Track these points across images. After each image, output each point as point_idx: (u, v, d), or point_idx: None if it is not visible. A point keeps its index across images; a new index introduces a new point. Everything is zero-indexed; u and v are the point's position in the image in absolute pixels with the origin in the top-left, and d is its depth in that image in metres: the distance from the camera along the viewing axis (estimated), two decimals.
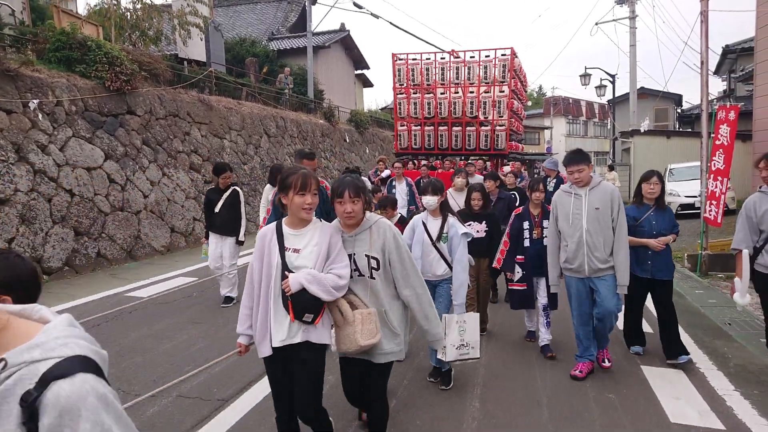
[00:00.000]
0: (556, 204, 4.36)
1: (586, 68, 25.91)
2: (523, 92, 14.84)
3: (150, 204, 10.73)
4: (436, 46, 33.75)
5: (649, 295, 4.84)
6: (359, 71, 30.54)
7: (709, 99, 8.20)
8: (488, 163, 12.33)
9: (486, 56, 12.35)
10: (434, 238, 4.05)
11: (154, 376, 4.49)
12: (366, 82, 32.88)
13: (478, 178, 8.84)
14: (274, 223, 2.79)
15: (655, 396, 4.01)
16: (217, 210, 6.58)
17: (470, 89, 12.50)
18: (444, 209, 4.14)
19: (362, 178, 3.86)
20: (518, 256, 5.02)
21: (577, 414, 3.77)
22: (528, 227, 4.99)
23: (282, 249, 2.64)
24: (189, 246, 11.36)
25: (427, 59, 12.77)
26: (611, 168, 20.54)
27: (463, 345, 3.85)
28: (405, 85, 12.95)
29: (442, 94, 12.72)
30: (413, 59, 12.82)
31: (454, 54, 13.03)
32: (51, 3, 13.48)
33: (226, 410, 3.87)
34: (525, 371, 4.58)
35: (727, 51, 22.76)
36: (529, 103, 64.30)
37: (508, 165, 12.28)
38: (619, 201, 4.18)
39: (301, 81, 21.47)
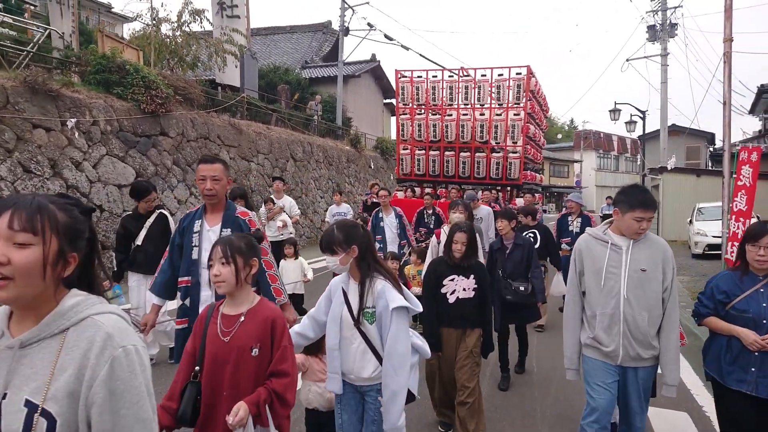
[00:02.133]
0: (582, 254, 3.11)
1: (615, 103, 25.78)
2: (542, 117, 13.26)
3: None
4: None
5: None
6: (387, 100, 31.09)
7: (743, 138, 8.13)
8: (500, 194, 11.09)
9: (499, 75, 11.13)
10: (354, 315, 2.57)
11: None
12: (394, 111, 33.36)
13: (483, 210, 7.69)
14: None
15: None
16: (139, 242, 5.17)
17: (481, 111, 11.32)
18: (364, 266, 2.58)
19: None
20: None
21: None
22: None
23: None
24: None
25: (433, 77, 11.69)
26: None
27: None
28: (409, 105, 11.82)
29: (449, 115, 11.55)
30: (418, 77, 11.71)
31: (464, 71, 11.87)
32: (97, 28, 14.27)
33: None
34: None
35: (762, 90, 22.40)
36: (559, 136, 64.16)
37: (522, 197, 10.75)
38: (673, 263, 2.99)
39: (330, 108, 22.01)
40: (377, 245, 7.64)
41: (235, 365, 2.17)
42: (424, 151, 11.80)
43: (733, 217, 7.87)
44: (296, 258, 6.53)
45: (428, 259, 5.38)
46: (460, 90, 11.33)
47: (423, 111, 11.72)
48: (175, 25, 14.45)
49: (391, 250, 5.73)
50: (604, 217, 18.07)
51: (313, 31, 29.00)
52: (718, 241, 13.90)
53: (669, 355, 2.94)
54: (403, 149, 12.09)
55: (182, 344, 3.07)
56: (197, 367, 2.22)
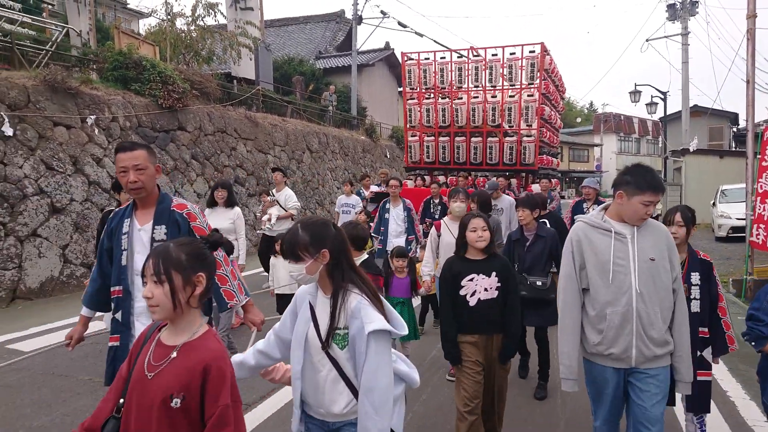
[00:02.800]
0: (581, 245, 2.71)
1: (636, 85, 25.32)
2: (558, 98, 12.49)
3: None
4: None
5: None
6: (402, 88, 30.92)
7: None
8: (513, 181, 10.38)
9: (511, 54, 10.41)
10: (323, 338, 2.02)
11: None
12: None
13: (505, 201, 7.06)
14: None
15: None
16: None
17: (493, 93, 10.61)
18: (337, 276, 2.03)
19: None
20: None
21: None
22: None
23: None
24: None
25: (441, 58, 11.00)
26: None
27: None
28: (416, 89, 11.18)
29: (459, 99, 10.84)
30: (425, 59, 11.00)
31: (474, 51, 11.07)
32: (113, 25, 14.43)
33: (247, 415, 4.04)
34: None
35: None
36: (579, 120, 63.28)
37: (538, 183, 9.90)
38: (675, 249, 2.75)
39: (345, 98, 21.99)
40: (378, 238, 7.01)
41: (158, 413, 1.62)
42: (433, 138, 11.17)
43: (758, 198, 7.70)
44: None
45: (427, 253, 4.99)
46: (470, 71, 10.69)
47: (431, 95, 11.08)
48: (190, 19, 14.58)
49: (398, 245, 4.88)
50: None
51: (326, 21, 28.93)
52: (743, 223, 13.64)
53: (682, 351, 2.67)
54: (412, 136, 11.51)
55: (111, 365, 2.72)
56: (122, 400, 1.74)
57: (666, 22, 22.98)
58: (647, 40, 24.78)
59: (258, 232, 9.75)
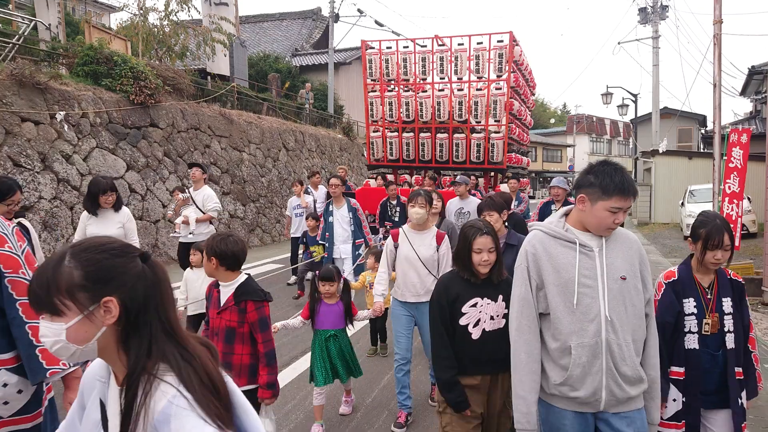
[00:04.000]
0: (538, 260, 2.21)
1: (608, 87, 25.81)
2: (528, 93, 11.76)
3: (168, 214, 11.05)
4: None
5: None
6: None
7: (734, 120, 8.11)
8: (481, 180, 9.95)
9: (478, 43, 9.62)
10: None
11: None
12: None
13: (473, 203, 6.28)
14: None
15: None
16: None
17: (459, 86, 9.87)
18: (134, 349, 1.13)
19: None
20: (673, 368, 2.55)
21: None
22: (695, 310, 2.53)
23: None
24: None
25: (404, 47, 10.16)
26: None
27: None
28: (378, 80, 10.31)
29: (423, 92, 10.10)
30: (387, 47, 10.19)
31: (438, 41, 10.18)
32: (83, 18, 14.08)
33: None
34: None
35: (753, 72, 22.42)
36: (552, 121, 64.26)
37: (506, 182, 9.28)
38: (647, 262, 2.28)
39: (322, 96, 21.89)
40: (324, 245, 6.24)
41: None
42: (396, 134, 10.37)
43: (727, 199, 7.94)
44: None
45: (381, 267, 4.04)
46: (434, 62, 9.89)
47: (394, 87, 10.26)
48: (163, 14, 14.30)
49: (326, 266, 3.97)
50: None
51: (302, 18, 28.74)
52: None
53: (653, 388, 2.22)
54: (374, 131, 10.62)
55: None
56: None
57: (638, 25, 23.49)
58: (619, 43, 25.34)
59: (171, 236, 8.30)
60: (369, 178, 10.65)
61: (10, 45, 10.01)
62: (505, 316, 2.56)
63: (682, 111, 25.06)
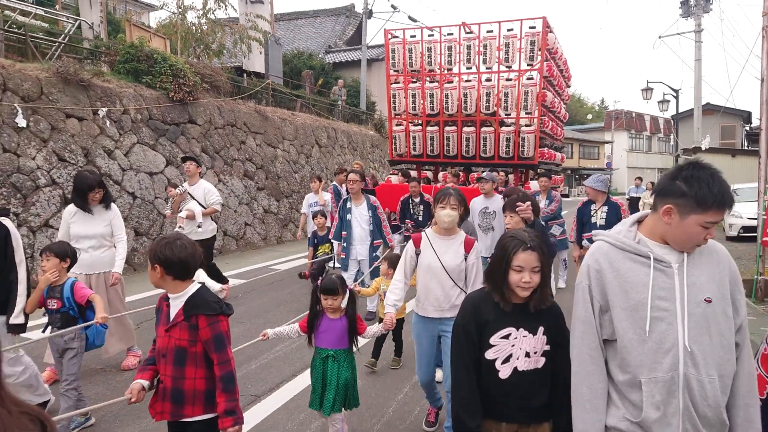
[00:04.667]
0: (603, 277, 1.85)
1: (648, 82, 25.10)
2: (563, 84, 10.94)
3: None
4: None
5: None
6: None
7: None
8: (511, 177, 9.39)
9: (508, 30, 8.97)
10: None
11: None
12: None
13: (499, 202, 5.80)
14: None
15: None
16: None
17: (487, 76, 9.28)
18: None
19: None
20: None
21: None
22: None
23: None
24: (240, 249, 11.86)
25: (429, 36, 9.55)
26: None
27: None
28: (401, 71, 9.78)
29: (449, 83, 9.46)
30: (411, 36, 9.69)
31: (466, 28, 9.43)
32: (124, 17, 14.50)
33: (257, 405, 4.08)
34: None
35: None
36: (590, 116, 62.86)
37: (536, 179, 8.52)
38: (741, 282, 1.88)
39: (354, 93, 21.98)
40: (342, 244, 6.01)
41: None
42: (420, 128, 9.85)
43: None
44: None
45: (397, 275, 3.50)
46: (461, 51, 9.26)
47: (418, 79, 9.72)
48: (201, 12, 14.62)
49: (329, 277, 3.23)
50: (631, 202, 16.99)
51: (336, 15, 28.87)
52: (754, 222, 13.55)
53: None
54: (396, 125, 10.11)
55: None
56: None
57: (679, 18, 22.75)
58: (660, 37, 24.53)
59: (176, 231, 8.25)
60: (390, 174, 10.21)
61: (56, 44, 10.39)
62: (546, 354, 2.13)
63: (726, 107, 24.18)
